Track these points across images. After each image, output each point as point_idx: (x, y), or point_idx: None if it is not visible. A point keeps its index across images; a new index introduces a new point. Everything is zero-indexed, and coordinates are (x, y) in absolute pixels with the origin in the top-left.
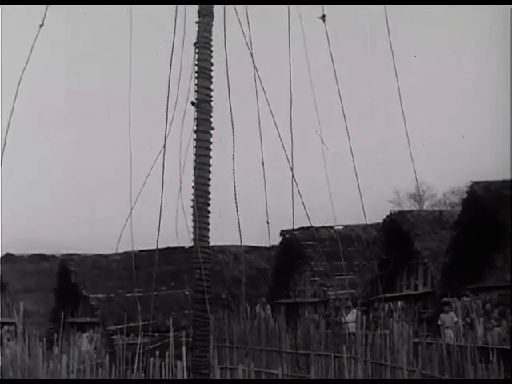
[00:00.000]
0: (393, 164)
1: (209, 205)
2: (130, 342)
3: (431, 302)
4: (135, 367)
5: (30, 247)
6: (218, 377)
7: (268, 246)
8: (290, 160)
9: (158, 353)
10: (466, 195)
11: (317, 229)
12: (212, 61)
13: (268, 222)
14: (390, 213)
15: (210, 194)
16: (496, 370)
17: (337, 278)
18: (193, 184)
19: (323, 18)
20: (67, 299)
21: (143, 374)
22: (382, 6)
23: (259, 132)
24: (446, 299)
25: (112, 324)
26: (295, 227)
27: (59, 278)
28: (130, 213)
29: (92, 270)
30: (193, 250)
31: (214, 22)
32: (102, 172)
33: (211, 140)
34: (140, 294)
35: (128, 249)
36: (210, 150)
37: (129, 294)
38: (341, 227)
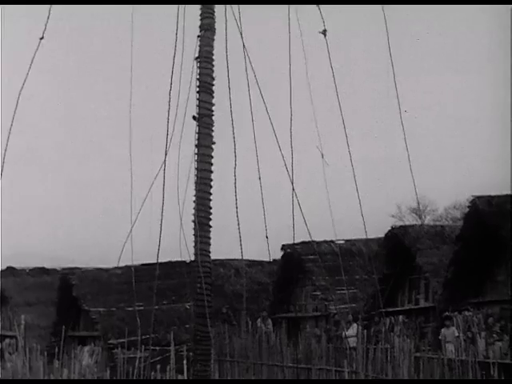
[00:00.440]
0: (394, 178)
1: (210, 219)
2: (131, 355)
3: (432, 316)
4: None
5: (31, 261)
6: None
7: (269, 260)
8: (291, 174)
9: (159, 367)
10: (467, 210)
11: (318, 243)
12: (213, 75)
13: (267, 237)
14: (392, 227)
15: (211, 208)
16: None
17: (338, 292)
18: (194, 198)
19: (324, 32)
20: (68, 313)
21: None
22: (382, 19)
23: (255, 146)
24: (447, 314)
25: (113, 338)
26: (296, 241)
27: (60, 291)
28: (130, 231)
29: (93, 284)
30: (194, 264)
31: (215, 37)
32: (104, 186)
33: (212, 154)
34: (141, 307)
35: (130, 263)
36: (211, 164)
37: (130, 308)
38: (342, 241)
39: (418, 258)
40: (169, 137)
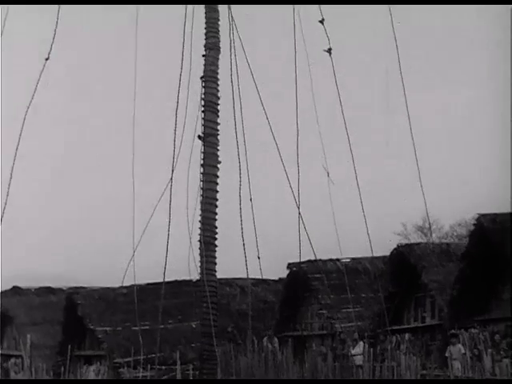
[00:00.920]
0: (400, 196)
1: (216, 238)
2: (137, 374)
3: (438, 334)
4: None
5: (37, 280)
6: None
7: (276, 278)
8: (296, 193)
9: None
10: (472, 227)
11: (324, 261)
12: (219, 94)
13: (259, 257)
14: (397, 245)
15: (216, 227)
16: None
17: (344, 310)
18: (199, 218)
19: (329, 51)
20: (74, 332)
21: None
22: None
23: (244, 166)
24: (453, 331)
25: (119, 357)
26: (302, 260)
27: (66, 311)
28: (134, 252)
29: (99, 303)
30: (200, 283)
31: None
32: (110, 205)
33: (218, 174)
34: (147, 327)
35: (135, 282)
36: (217, 183)
37: (136, 327)
38: (348, 260)
39: (424, 276)
40: (175, 156)
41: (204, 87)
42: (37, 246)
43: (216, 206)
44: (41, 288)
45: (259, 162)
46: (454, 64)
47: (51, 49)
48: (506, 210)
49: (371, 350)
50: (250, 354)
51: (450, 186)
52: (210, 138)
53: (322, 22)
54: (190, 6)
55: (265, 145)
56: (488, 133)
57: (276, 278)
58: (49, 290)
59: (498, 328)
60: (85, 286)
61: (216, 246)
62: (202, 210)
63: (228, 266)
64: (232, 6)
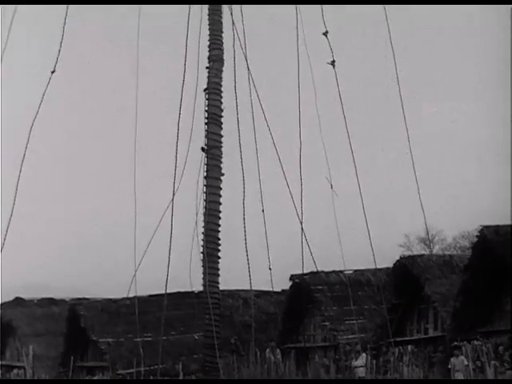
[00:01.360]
0: (403, 208)
1: (219, 250)
2: None
3: (441, 345)
4: None
5: (40, 292)
6: None
7: (278, 290)
8: (299, 206)
9: None
10: (475, 239)
11: (327, 273)
12: (222, 107)
13: (270, 268)
14: (400, 257)
15: (219, 239)
16: None
17: (347, 322)
18: (203, 230)
19: (333, 63)
20: (76, 343)
21: None
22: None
23: (248, 178)
24: (456, 343)
25: (121, 368)
26: (305, 272)
27: (68, 322)
28: (139, 262)
29: (101, 315)
30: (203, 294)
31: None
32: (114, 217)
33: (221, 186)
34: (149, 338)
35: (138, 293)
36: (220, 196)
37: (138, 339)
38: (350, 272)
39: (427, 288)
40: (177, 168)
41: (207, 99)
42: (40, 257)
43: (219, 218)
44: (43, 299)
45: (262, 174)
46: (455, 67)
47: (57, 61)
48: (509, 221)
49: (374, 361)
50: (252, 365)
51: (453, 198)
52: (213, 150)
53: (325, 34)
54: (194, 19)
55: (268, 155)
56: (489, 139)
57: (279, 289)
58: (51, 301)
59: (501, 340)
60: (87, 297)
61: (219, 257)
62: (205, 221)
63: (229, 277)
64: (236, 20)
